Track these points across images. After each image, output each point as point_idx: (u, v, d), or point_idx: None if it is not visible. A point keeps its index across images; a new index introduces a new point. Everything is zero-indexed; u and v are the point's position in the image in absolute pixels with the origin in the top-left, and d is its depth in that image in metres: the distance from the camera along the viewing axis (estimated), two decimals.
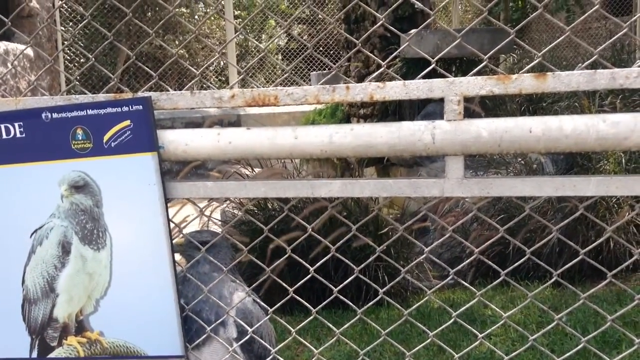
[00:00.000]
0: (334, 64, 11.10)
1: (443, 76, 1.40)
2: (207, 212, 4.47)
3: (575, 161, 4.99)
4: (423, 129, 1.38)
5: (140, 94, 1.50)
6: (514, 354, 1.56)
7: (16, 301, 1.60)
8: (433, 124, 1.38)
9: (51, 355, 1.61)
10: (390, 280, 4.15)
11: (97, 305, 1.56)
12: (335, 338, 1.67)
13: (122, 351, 1.58)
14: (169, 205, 1.55)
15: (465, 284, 1.57)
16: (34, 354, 1.62)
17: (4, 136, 1.50)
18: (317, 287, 4.01)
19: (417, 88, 1.39)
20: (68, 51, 10.27)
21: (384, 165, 6.48)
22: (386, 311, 4.13)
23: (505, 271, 1.45)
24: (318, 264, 1.67)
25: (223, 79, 12.59)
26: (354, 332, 3.80)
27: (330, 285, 1.65)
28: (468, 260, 1.67)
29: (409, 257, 4.55)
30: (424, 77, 1.38)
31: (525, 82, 1.35)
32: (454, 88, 1.37)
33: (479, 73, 1.39)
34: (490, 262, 1.53)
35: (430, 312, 4.02)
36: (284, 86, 1.49)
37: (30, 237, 1.55)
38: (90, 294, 1.56)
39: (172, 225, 1.57)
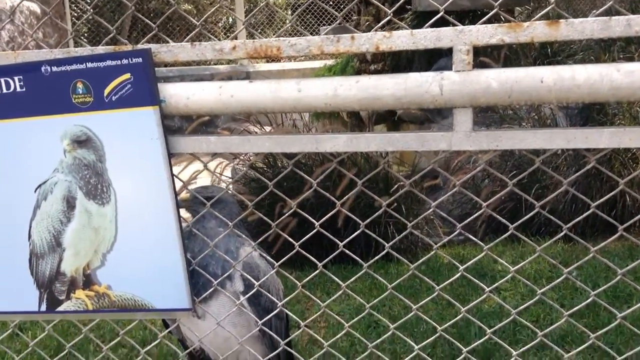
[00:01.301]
0: (345, 18, 10.89)
1: (453, 26, 1.35)
2: (218, 170, 4.48)
3: (590, 116, 4.90)
4: (431, 80, 1.34)
5: (140, 46, 1.46)
6: (522, 307, 1.56)
7: (23, 255, 1.61)
8: (441, 74, 1.34)
9: (60, 308, 1.63)
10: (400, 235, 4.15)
11: (104, 260, 1.57)
12: (341, 291, 1.68)
13: (129, 304, 1.59)
14: (176, 162, 1.54)
15: (473, 238, 1.56)
16: (43, 307, 1.64)
17: (4, 90, 1.48)
18: (326, 243, 4.03)
19: (425, 37, 1.34)
20: (75, 8, 10.15)
21: (394, 121, 6.40)
22: (395, 267, 4.16)
23: (514, 225, 1.43)
24: (324, 218, 1.65)
25: (231, 35, 12.41)
26: (364, 286, 3.83)
27: (336, 240, 1.64)
28: (476, 214, 1.66)
29: (419, 214, 4.55)
30: (432, 27, 1.33)
31: (537, 30, 1.30)
32: (463, 37, 1.32)
33: (490, 23, 1.34)
34: (498, 217, 1.51)
35: (439, 268, 4.03)
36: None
37: (35, 191, 1.55)
38: (97, 248, 1.56)
39: (177, 181, 1.56)
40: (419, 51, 6.11)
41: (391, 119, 6.23)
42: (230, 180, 4.53)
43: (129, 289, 1.59)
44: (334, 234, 4.05)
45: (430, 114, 5.83)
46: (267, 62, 10.73)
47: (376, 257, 1.72)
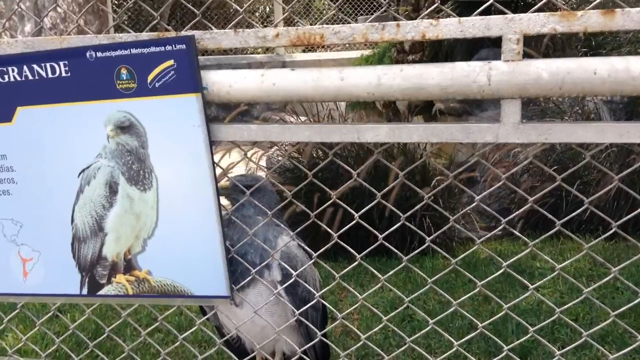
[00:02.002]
0: (380, 8, 10.77)
1: (502, 14, 1.31)
2: (253, 159, 4.50)
3: (635, 110, 4.74)
4: (478, 69, 1.30)
5: (183, 33, 1.46)
6: (566, 305, 1.51)
7: (66, 239, 1.64)
8: (489, 64, 1.30)
9: (100, 292, 1.66)
10: (436, 230, 4.11)
11: (145, 245, 1.58)
12: (379, 285, 1.66)
13: (169, 290, 1.61)
14: (214, 150, 1.54)
15: (518, 234, 1.52)
16: (84, 291, 1.67)
17: (50, 75, 1.51)
18: (362, 234, 3.99)
19: (473, 26, 1.30)
20: None
21: (431, 114, 6.32)
22: (431, 260, 4.11)
23: (561, 221, 1.39)
24: (363, 210, 1.64)
25: (268, 24, 12.43)
26: (398, 280, 3.81)
27: (375, 232, 1.63)
28: (522, 209, 1.61)
29: (456, 208, 4.49)
30: (480, 15, 1.30)
31: (591, 20, 1.25)
32: (513, 25, 1.28)
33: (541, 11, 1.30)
34: (545, 213, 1.46)
35: (476, 263, 3.98)
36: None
37: (78, 176, 1.58)
38: (138, 233, 1.58)
39: (217, 169, 1.57)
40: (460, 42, 6.02)
41: (429, 111, 6.15)
42: (266, 169, 4.54)
43: (168, 275, 1.61)
44: (369, 225, 4.02)
45: (469, 107, 5.73)
46: (303, 51, 10.71)
47: (417, 251, 1.70)
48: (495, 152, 4.59)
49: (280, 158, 4.82)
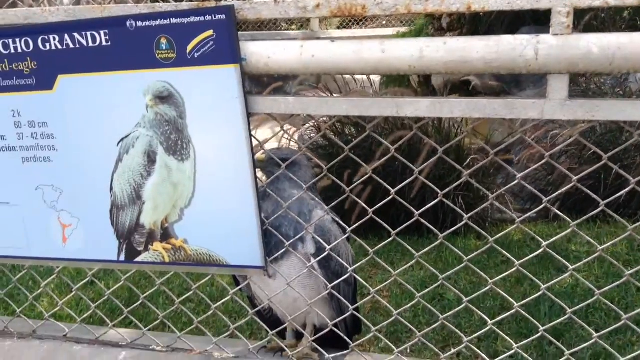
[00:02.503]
0: None
1: None
2: (286, 135, 4.51)
3: None
4: (525, 43, 1.27)
5: (223, 3, 1.46)
6: (607, 287, 1.49)
7: (105, 206, 1.67)
8: (537, 38, 1.26)
9: (138, 259, 1.69)
10: (468, 210, 4.07)
11: (182, 214, 1.61)
12: (414, 261, 1.66)
13: (204, 259, 1.63)
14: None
15: (560, 214, 1.49)
16: (122, 257, 1.70)
17: (90, 44, 1.52)
18: (393, 213, 4.00)
19: None
20: None
21: (467, 92, 6.22)
22: (463, 240, 4.09)
23: (605, 201, 1.36)
24: (400, 186, 1.63)
25: None
26: (429, 259, 3.79)
27: (411, 208, 1.61)
28: (564, 189, 1.58)
29: (491, 188, 4.43)
30: None
31: None
32: None
33: None
34: (588, 192, 1.43)
35: (510, 245, 3.94)
36: None
37: (117, 145, 1.60)
38: (175, 203, 1.60)
39: (254, 141, 1.57)
40: (500, 20, 5.87)
41: (464, 90, 6.05)
42: (298, 147, 4.55)
43: (204, 244, 1.63)
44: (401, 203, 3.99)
45: (507, 86, 5.62)
46: (338, 28, 10.61)
47: (454, 228, 1.68)
48: (532, 133, 4.50)
49: (313, 135, 4.81)
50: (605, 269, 3.44)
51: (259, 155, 1.73)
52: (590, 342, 1.58)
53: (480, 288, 1.78)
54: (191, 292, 1.96)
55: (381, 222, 1.63)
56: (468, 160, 4.18)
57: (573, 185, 1.42)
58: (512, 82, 5.58)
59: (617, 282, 1.50)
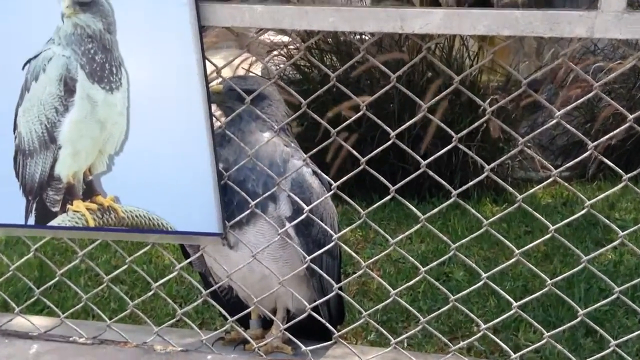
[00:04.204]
0: None
1: None
2: (244, 65, 4.43)
3: None
4: None
5: None
6: None
7: (6, 152, 1.62)
8: None
9: (52, 222, 1.66)
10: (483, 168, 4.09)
11: (111, 163, 1.58)
12: (418, 226, 1.65)
13: (143, 223, 1.61)
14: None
15: (612, 165, 1.48)
16: (30, 221, 1.67)
17: None
18: (387, 169, 4.01)
19: None
20: None
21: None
22: (476, 206, 4.12)
23: None
24: (400, 128, 1.61)
25: None
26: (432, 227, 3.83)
27: (418, 157, 1.59)
28: (617, 131, 1.57)
29: (511, 140, 4.46)
30: None
31: None
32: None
33: None
34: None
35: (536, 209, 3.98)
36: None
37: (23, 69, 1.55)
38: (102, 147, 1.57)
39: (208, 66, 1.53)
40: None
41: (485, 6, 6.02)
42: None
43: (142, 204, 1.61)
44: (400, 155, 4.00)
45: (536, 4, 5.59)
46: None
47: (471, 183, 1.67)
48: (568, 69, 4.51)
49: (281, 65, 4.76)
50: None
51: (216, 85, 1.70)
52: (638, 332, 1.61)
53: (496, 266, 1.78)
54: (124, 268, 1.94)
55: (377, 174, 1.61)
56: (487, 102, 4.19)
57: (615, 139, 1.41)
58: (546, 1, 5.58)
59: None
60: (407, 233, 1.79)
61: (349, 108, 3.73)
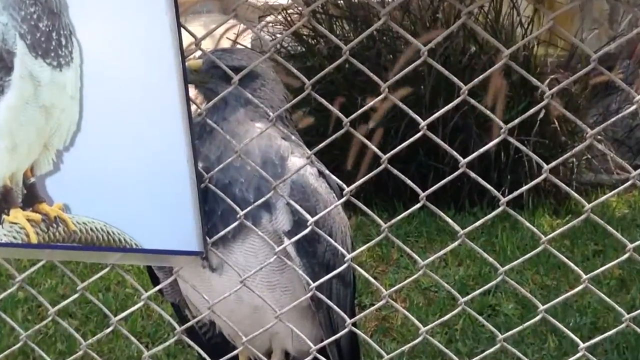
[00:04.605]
0: None
1: None
2: (230, 36, 4.45)
3: None
4: None
5: None
6: None
7: None
8: None
9: None
10: (541, 168, 4.07)
11: (59, 161, 1.58)
12: (457, 243, 1.65)
13: (100, 238, 1.61)
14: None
15: None
16: None
17: None
18: (414, 171, 4.02)
19: None
20: None
21: None
22: (530, 218, 4.12)
23: None
24: (434, 116, 1.61)
25: None
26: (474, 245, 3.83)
27: (456, 154, 1.59)
28: None
29: (577, 131, 4.47)
30: None
31: None
32: None
33: None
34: None
35: (609, 222, 3.99)
36: None
37: None
38: (48, 141, 1.57)
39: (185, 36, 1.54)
40: None
41: None
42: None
43: (98, 214, 1.61)
44: (431, 153, 4.04)
45: None
46: None
47: (520, 190, 1.66)
48: None
49: (278, 35, 4.77)
50: None
51: (194, 61, 1.70)
52: None
53: (557, 296, 1.78)
54: (75, 297, 1.94)
55: (402, 176, 1.61)
56: (545, 83, 4.18)
57: None
58: None
59: None
60: (440, 253, 1.78)
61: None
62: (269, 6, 4.76)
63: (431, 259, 1.78)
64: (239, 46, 4.18)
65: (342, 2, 4.62)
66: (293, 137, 1.77)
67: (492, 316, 3.31)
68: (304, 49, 4.71)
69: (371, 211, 1.72)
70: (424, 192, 1.58)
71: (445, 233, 3.91)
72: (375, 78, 1.62)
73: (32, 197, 1.61)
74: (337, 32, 4.68)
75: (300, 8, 4.55)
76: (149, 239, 1.61)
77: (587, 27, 4.90)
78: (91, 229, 1.61)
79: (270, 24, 4.87)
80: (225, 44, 4.04)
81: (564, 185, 1.65)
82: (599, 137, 4.44)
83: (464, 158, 1.56)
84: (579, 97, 4.47)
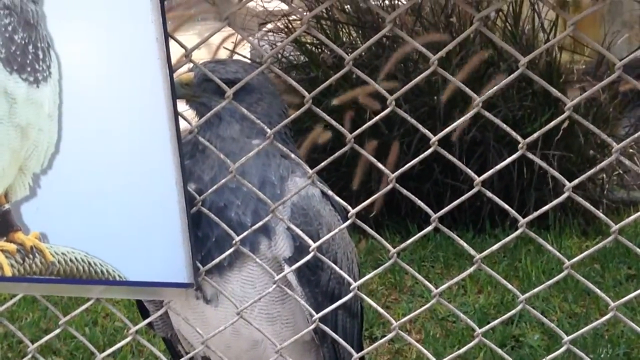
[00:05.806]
0: None
1: None
2: (228, 45, 4.47)
3: None
4: None
5: None
6: None
7: None
8: None
9: None
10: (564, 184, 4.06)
11: (36, 186, 1.58)
12: (474, 267, 1.63)
13: (81, 270, 1.61)
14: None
15: None
16: None
17: None
18: (428, 189, 4.01)
19: None
20: None
21: None
22: (557, 239, 4.11)
23: None
24: (447, 130, 1.60)
25: None
26: (494, 271, 3.83)
27: (471, 173, 1.59)
28: None
29: (606, 145, 4.45)
30: None
31: None
32: None
33: None
34: None
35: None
36: None
37: None
38: (23, 164, 1.57)
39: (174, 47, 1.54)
40: None
41: None
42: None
43: (79, 243, 1.61)
44: (447, 170, 4.05)
45: None
46: None
47: (543, 209, 1.65)
48: None
49: (278, 43, 4.79)
50: None
51: (185, 74, 1.71)
52: None
53: (584, 325, 1.76)
54: (58, 332, 1.93)
55: (412, 196, 1.61)
56: (571, 93, 4.19)
57: None
58: None
59: None
60: (455, 279, 1.77)
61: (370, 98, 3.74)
62: (268, 13, 4.77)
63: (445, 286, 1.77)
64: (237, 57, 4.19)
65: (348, 7, 4.64)
66: (293, 155, 1.76)
67: (515, 348, 3.30)
68: (307, 59, 4.72)
69: (383, 234, 1.72)
70: (438, 212, 1.58)
71: (464, 257, 3.90)
72: (381, 90, 1.62)
73: (6, 225, 1.61)
74: (344, 40, 4.69)
75: (304, 12, 4.56)
76: (134, 270, 1.61)
77: (615, 29, 4.89)
78: (71, 260, 1.61)
79: (270, 32, 4.89)
80: (223, 54, 4.06)
81: (587, 204, 1.63)
82: (630, 150, 4.43)
83: (482, 174, 1.55)
84: (609, 107, 4.45)
